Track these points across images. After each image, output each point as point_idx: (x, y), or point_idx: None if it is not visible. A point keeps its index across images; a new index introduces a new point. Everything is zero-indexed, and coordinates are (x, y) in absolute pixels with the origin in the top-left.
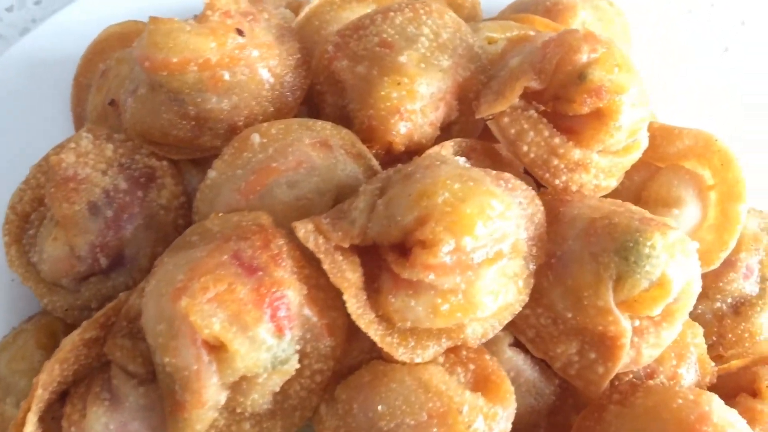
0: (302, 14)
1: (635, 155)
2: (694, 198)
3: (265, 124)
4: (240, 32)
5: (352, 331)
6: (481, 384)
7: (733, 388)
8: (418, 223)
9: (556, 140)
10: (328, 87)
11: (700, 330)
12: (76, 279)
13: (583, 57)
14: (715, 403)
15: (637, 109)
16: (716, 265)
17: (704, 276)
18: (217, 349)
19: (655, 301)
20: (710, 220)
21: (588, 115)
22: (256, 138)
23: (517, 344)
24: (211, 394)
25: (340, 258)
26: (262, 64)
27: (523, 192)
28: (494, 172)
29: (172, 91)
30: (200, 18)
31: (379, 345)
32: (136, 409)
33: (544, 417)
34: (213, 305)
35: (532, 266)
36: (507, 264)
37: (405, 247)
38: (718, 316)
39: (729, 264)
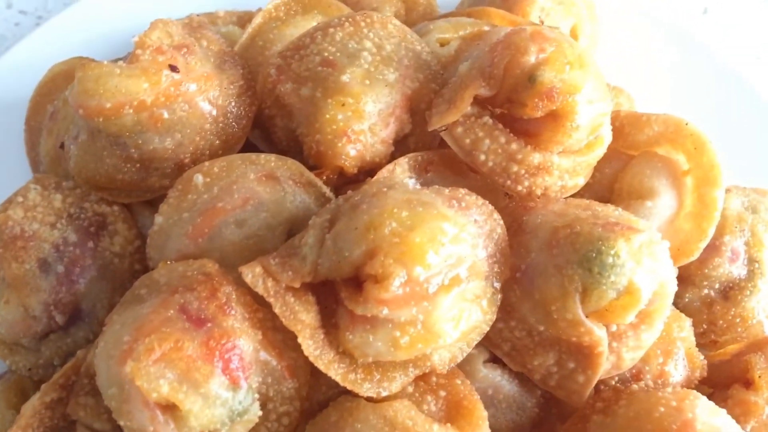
0: (245, 35)
1: (599, 152)
2: (667, 187)
3: (207, 163)
4: (173, 68)
5: (318, 368)
6: (453, 411)
7: (726, 379)
8: (367, 256)
9: (514, 146)
10: (276, 110)
11: (687, 322)
12: (35, 338)
13: (531, 58)
14: (699, 408)
15: (595, 104)
16: (695, 255)
17: (689, 263)
18: (171, 408)
19: (625, 309)
20: (687, 208)
21: (544, 117)
22: (198, 178)
23: (494, 360)
24: None
25: (292, 299)
26: (202, 97)
27: (479, 208)
28: (447, 191)
29: (111, 135)
30: (131, 58)
31: (342, 384)
32: None
33: (530, 427)
34: (160, 366)
35: (496, 284)
36: (466, 288)
37: (358, 281)
38: (707, 303)
39: (713, 249)
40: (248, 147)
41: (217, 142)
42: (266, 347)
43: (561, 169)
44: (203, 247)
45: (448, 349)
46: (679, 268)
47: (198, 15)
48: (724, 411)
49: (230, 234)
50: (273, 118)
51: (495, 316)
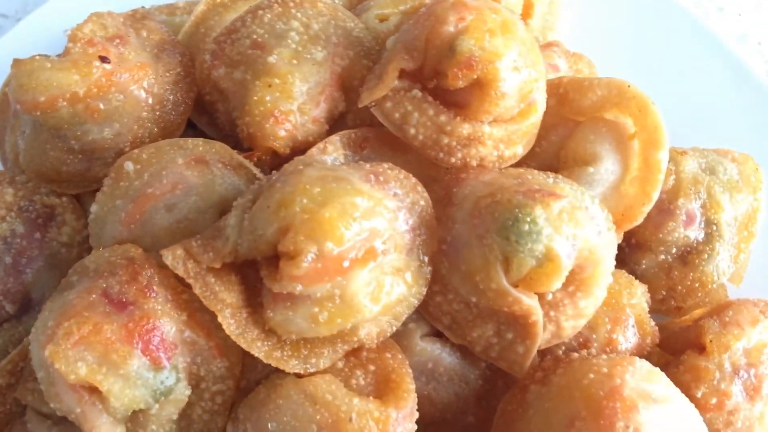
0: (188, 23)
1: (533, 119)
2: (610, 151)
3: (137, 150)
4: (104, 59)
5: None
6: (382, 385)
7: (682, 345)
8: (280, 234)
9: (442, 118)
10: (216, 96)
11: (639, 289)
12: None
13: (451, 27)
14: (629, 374)
15: (522, 71)
16: (639, 220)
17: (644, 229)
18: (98, 390)
19: (549, 277)
20: (633, 172)
21: (470, 86)
22: (129, 166)
23: (435, 334)
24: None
25: (213, 280)
26: (136, 86)
27: (400, 182)
28: (368, 166)
29: (52, 128)
30: (64, 52)
31: (266, 361)
32: None
33: (473, 403)
34: (80, 349)
35: (423, 257)
36: (384, 261)
37: (277, 260)
38: (665, 269)
39: (667, 213)
40: (199, 135)
41: (156, 129)
42: (193, 328)
43: (494, 139)
44: (136, 233)
45: (376, 324)
46: (635, 235)
47: (156, 6)
48: (662, 377)
49: (161, 219)
50: (214, 104)
51: (424, 290)
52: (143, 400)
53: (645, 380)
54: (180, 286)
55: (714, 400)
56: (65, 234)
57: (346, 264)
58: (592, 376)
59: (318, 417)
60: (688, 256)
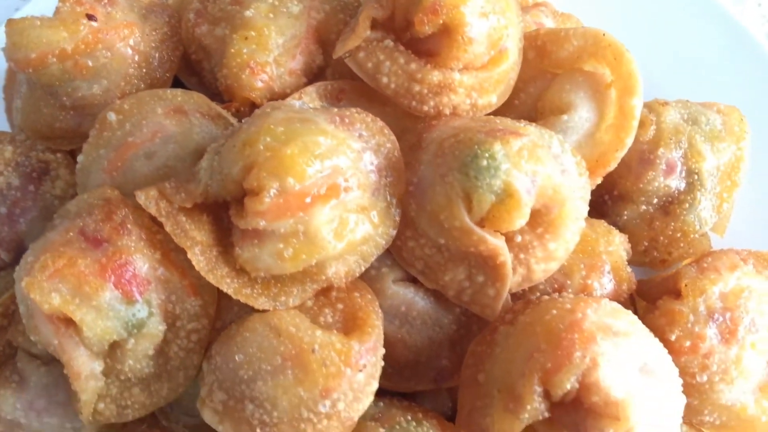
0: None
1: (504, 66)
2: (586, 100)
3: (119, 101)
4: (91, 17)
5: None
6: (349, 322)
7: (658, 293)
8: (245, 172)
9: (413, 65)
10: (202, 54)
11: (617, 237)
12: None
13: None
14: (592, 309)
15: (491, 17)
16: (612, 166)
17: (625, 180)
18: (73, 322)
19: (510, 213)
20: (609, 120)
21: (439, 33)
22: (111, 116)
23: (409, 280)
24: (82, 364)
25: (184, 219)
26: (123, 44)
27: (366, 124)
28: (336, 110)
29: (45, 85)
30: (54, 11)
31: (235, 297)
32: (41, 388)
33: (447, 347)
34: (54, 281)
35: (390, 198)
36: (347, 199)
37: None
38: (647, 220)
39: (647, 162)
40: None
41: (143, 86)
42: (167, 266)
43: (465, 87)
44: (118, 181)
45: (343, 263)
46: (617, 186)
47: None
48: (627, 315)
49: (141, 166)
50: (200, 62)
51: (392, 231)
52: (115, 331)
53: (607, 316)
54: (155, 226)
55: (688, 343)
56: (58, 187)
57: (308, 200)
58: (554, 312)
59: (282, 348)
60: (670, 206)
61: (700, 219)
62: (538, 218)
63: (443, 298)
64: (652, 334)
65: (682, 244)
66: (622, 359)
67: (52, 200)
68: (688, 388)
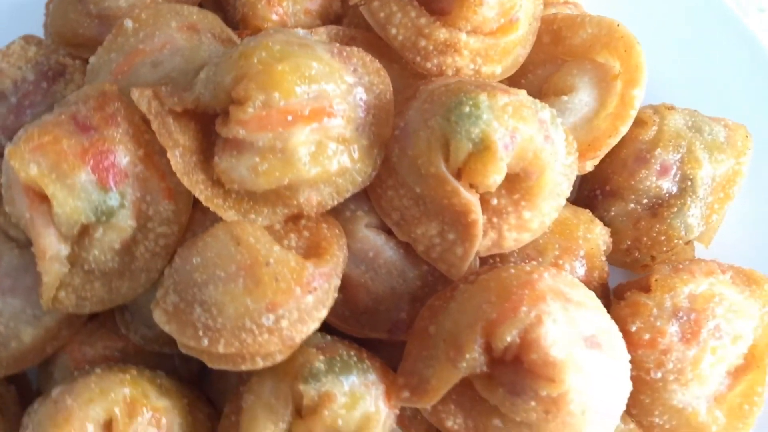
0: None
1: (513, 37)
2: (589, 86)
3: (137, 9)
4: None
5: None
6: (312, 249)
7: (628, 288)
8: (235, 82)
9: (422, 20)
10: None
11: (598, 228)
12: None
13: None
14: (549, 274)
15: None
16: (603, 151)
17: (618, 176)
18: (46, 198)
19: (485, 166)
20: (610, 109)
21: None
22: (128, 23)
23: (384, 229)
24: (50, 243)
25: (171, 121)
26: None
27: (364, 62)
28: (339, 45)
29: None
30: None
31: (205, 204)
32: (11, 268)
33: (408, 300)
34: (36, 154)
35: (373, 137)
36: (330, 125)
37: None
38: (633, 219)
39: (642, 161)
40: None
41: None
42: (147, 165)
43: (470, 50)
44: (122, 84)
45: (316, 191)
46: (609, 182)
47: None
48: (584, 289)
49: (146, 73)
50: None
51: (371, 170)
52: (84, 213)
53: (564, 284)
54: (144, 126)
55: (647, 336)
56: (69, 90)
57: (289, 118)
58: (512, 271)
59: (239, 257)
60: (659, 208)
61: (686, 225)
62: (517, 184)
63: (412, 253)
64: (604, 310)
65: (664, 248)
66: (569, 325)
67: (60, 99)
68: (641, 384)
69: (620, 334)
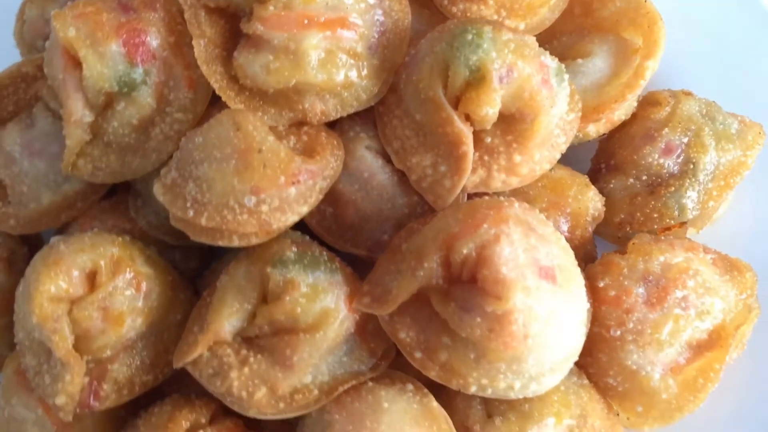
0: None
1: None
2: (606, 53)
3: None
4: None
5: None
6: (306, 152)
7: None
8: None
9: None
10: None
11: (591, 192)
12: (44, 39)
13: None
14: (520, 204)
15: None
16: (605, 115)
17: (623, 150)
18: (79, 65)
19: (479, 96)
20: (622, 79)
21: None
22: None
23: (382, 154)
24: (76, 107)
25: (203, 14)
26: None
27: None
28: None
29: None
30: None
31: (218, 93)
32: (42, 134)
33: (392, 225)
34: (78, 20)
35: (384, 61)
36: (342, 36)
37: None
38: (631, 193)
39: (648, 138)
40: None
41: None
42: (175, 53)
43: (496, 0)
44: None
45: (321, 100)
46: (614, 155)
47: None
48: (549, 227)
49: None
50: None
51: (376, 90)
52: (109, 80)
53: (533, 218)
54: (179, 18)
55: (612, 293)
56: None
57: (306, 21)
58: (486, 198)
59: (235, 141)
60: (657, 186)
61: (680, 206)
62: (512, 125)
63: (405, 182)
64: (571, 256)
65: (656, 226)
66: (526, 251)
67: None
68: (601, 341)
69: (582, 281)
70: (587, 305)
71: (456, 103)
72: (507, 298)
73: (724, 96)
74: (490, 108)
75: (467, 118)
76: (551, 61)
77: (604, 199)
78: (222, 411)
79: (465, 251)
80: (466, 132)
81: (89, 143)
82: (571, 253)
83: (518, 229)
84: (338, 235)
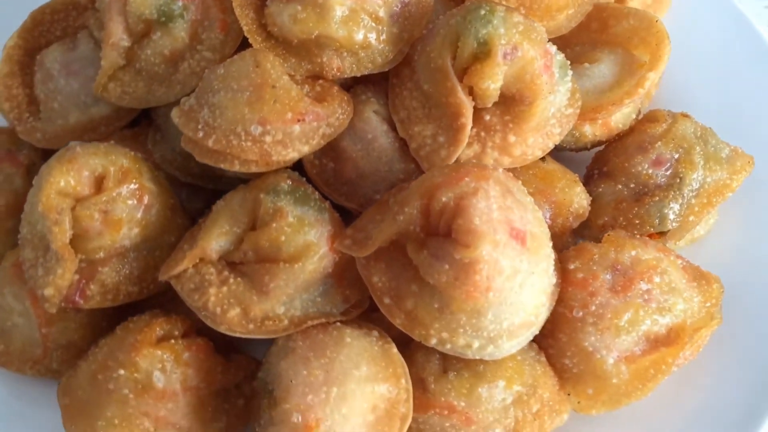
0: None
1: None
2: (612, 63)
3: None
4: None
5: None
6: (318, 98)
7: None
8: None
9: None
10: None
11: (579, 188)
12: None
13: None
14: (503, 171)
15: None
16: (601, 117)
17: (616, 157)
18: None
19: (483, 70)
20: (624, 88)
21: None
22: None
23: (388, 121)
24: (116, 30)
25: None
26: None
27: None
28: None
29: None
30: None
31: (246, 35)
32: (82, 57)
33: (386, 187)
34: None
35: (404, 31)
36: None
37: None
38: (617, 199)
39: (641, 148)
40: None
41: None
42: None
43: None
44: None
45: (339, 57)
46: (608, 164)
47: None
48: (528, 198)
49: None
50: None
51: (392, 57)
52: (150, 8)
53: (514, 184)
54: None
55: (580, 275)
56: None
57: None
58: (474, 161)
59: (253, 76)
60: (642, 195)
61: (661, 215)
62: (511, 106)
63: (406, 150)
64: (544, 228)
65: (635, 232)
66: (501, 209)
67: None
68: (563, 321)
69: (552, 255)
70: (554, 280)
71: (462, 77)
72: (475, 247)
73: (721, 127)
74: (492, 82)
75: (470, 92)
76: (557, 53)
77: (590, 198)
78: (195, 331)
79: (444, 199)
80: (467, 104)
81: (122, 69)
82: (545, 226)
83: (497, 188)
84: (334, 188)
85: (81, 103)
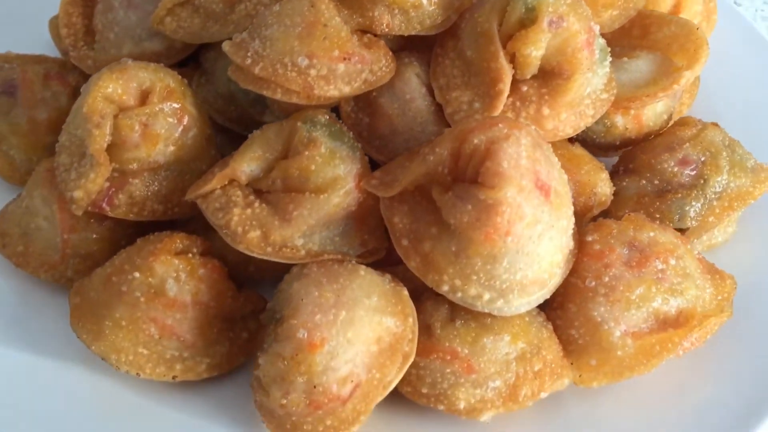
0: None
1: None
2: (650, 62)
3: None
4: None
5: None
6: (365, 46)
7: None
8: None
9: None
10: None
11: (604, 175)
12: None
13: None
14: (536, 129)
15: None
16: (634, 107)
17: (644, 154)
18: None
19: (527, 36)
20: (658, 87)
21: None
22: None
23: (428, 86)
24: None
25: None
26: None
27: None
28: None
29: None
30: None
31: None
32: None
33: (416, 144)
34: None
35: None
36: None
37: None
38: (640, 194)
39: (669, 147)
40: None
41: None
42: None
43: None
44: None
45: (390, 14)
46: (635, 160)
47: None
48: (556, 161)
49: None
50: None
51: (440, 22)
52: None
53: (545, 143)
54: None
55: (597, 247)
56: None
57: None
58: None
59: (307, 14)
60: (666, 192)
61: (682, 212)
62: (549, 79)
63: (441, 115)
64: (568, 190)
65: None
66: (530, 159)
67: None
68: (574, 291)
69: (572, 219)
70: (572, 245)
71: (506, 44)
72: (500, 188)
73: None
74: (534, 49)
75: (512, 61)
76: (599, 35)
77: (614, 188)
78: (212, 253)
79: (476, 141)
80: (507, 70)
81: (180, 5)
82: (569, 190)
83: (529, 139)
84: (367, 140)
85: (136, 36)
